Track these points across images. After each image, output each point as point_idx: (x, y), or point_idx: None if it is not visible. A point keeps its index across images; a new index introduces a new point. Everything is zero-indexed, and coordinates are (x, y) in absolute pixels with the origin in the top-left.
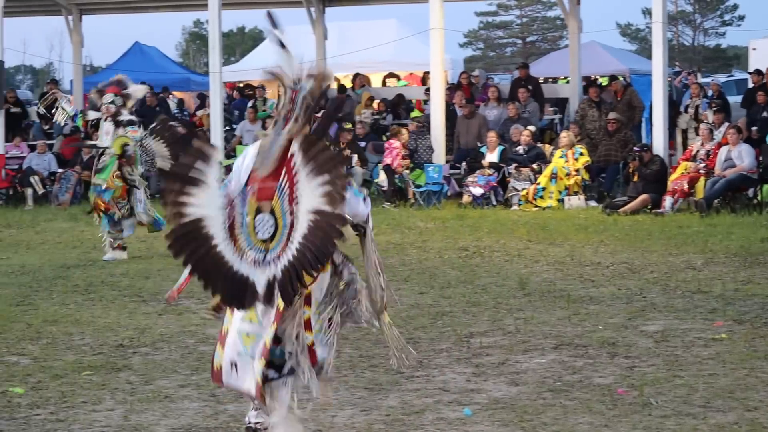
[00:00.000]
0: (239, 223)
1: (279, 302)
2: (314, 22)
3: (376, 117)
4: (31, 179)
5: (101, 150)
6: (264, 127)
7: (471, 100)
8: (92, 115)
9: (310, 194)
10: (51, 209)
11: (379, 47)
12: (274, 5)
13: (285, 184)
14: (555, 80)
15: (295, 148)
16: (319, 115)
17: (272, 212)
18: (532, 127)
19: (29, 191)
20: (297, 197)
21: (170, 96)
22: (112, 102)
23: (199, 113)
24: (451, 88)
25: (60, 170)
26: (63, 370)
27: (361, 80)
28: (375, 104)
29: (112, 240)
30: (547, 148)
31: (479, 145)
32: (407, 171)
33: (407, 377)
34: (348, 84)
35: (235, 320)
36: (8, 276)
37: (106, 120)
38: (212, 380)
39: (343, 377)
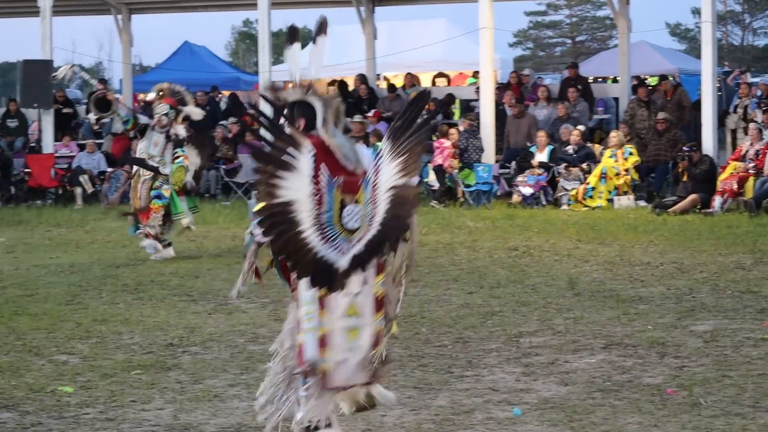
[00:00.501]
0: (325, 212)
1: (378, 290)
2: (364, 21)
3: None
4: (81, 178)
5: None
6: None
7: (521, 100)
8: (143, 119)
9: (388, 176)
10: (101, 208)
11: (429, 47)
12: (324, 5)
13: (370, 176)
14: (604, 80)
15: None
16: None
17: (356, 203)
18: (581, 127)
19: (78, 190)
20: (378, 184)
21: (220, 95)
22: (166, 114)
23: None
24: (501, 88)
25: (109, 169)
26: (112, 369)
27: (410, 80)
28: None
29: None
30: (597, 148)
31: (529, 144)
32: (456, 170)
33: (457, 377)
34: (399, 83)
35: (336, 320)
36: (58, 275)
37: (154, 129)
38: (319, 388)
39: (393, 377)
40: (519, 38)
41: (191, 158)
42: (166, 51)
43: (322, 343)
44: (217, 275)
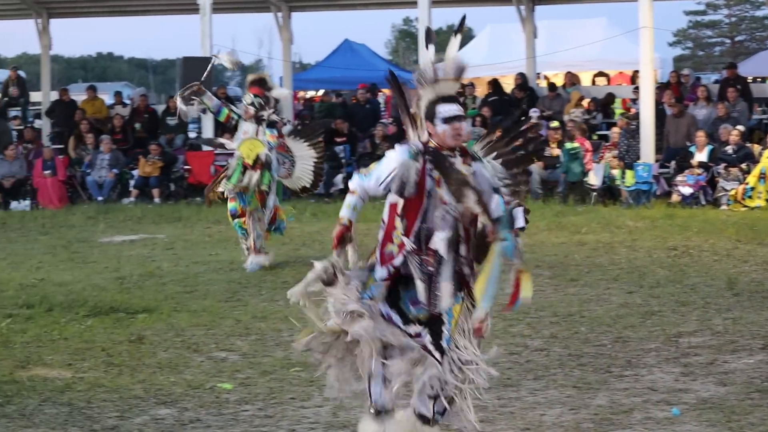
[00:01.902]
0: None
1: None
2: (524, 20)
3: (586, 116)
4: None
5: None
6: (474, 125)
7: (680, 100)
8: (236, 110)
9: None
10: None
11: (588, 46)
12: (484, 3)
13: None
14: (763, 80)
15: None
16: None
17: None
18: (741, 127)
19: None
20: None
21: (379, 93)
22: (252, 104)
23: (412, 110)
24: (661, 87)
25: None
26: (272, 366)
27: (570, 79)
28: (585, 103)
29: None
30: (756, 148)
31: (688, 144)
32: (616, 170)
33: (616, 376)
34: (559, 82)
35: None
36: (217, 272)
37: (246, 121)
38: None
39: (552, 376)
40: (678, 37)
41: (302, 151)
42: (326, 49)
43: None
44: None
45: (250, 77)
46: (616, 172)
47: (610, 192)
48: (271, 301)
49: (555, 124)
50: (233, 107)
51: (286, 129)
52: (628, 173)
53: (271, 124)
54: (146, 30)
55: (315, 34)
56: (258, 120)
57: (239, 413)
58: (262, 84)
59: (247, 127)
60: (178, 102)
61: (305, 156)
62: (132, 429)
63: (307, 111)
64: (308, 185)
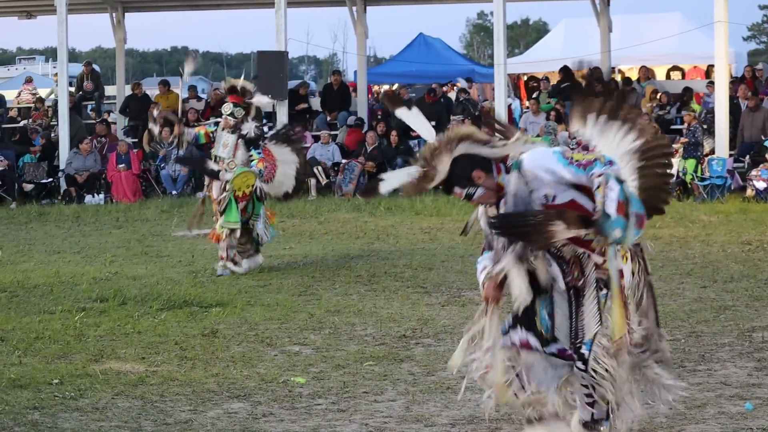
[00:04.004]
0: None
1: None
2: (598, 14)
3: (659, 112)
4: (315, 169)
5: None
6: (548, 119)
7: (755, 94)
8: (212, 127)
9: None
10: (334, 200)
11: (663, 40)
12: None
13: None
14: None
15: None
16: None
17: None
18: None
19: (312, 181)
20: None
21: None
22: (231, 113)
23: (486, 104)
24: (735, 82)
25: (344, 161)
26: (345, 361)
27: (645, 73)
28: (659, 97)
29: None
30: None
31: (763, 138)
32: (688, 164)
33: (689, 371)
34: (633, 76)
35: None
36: (291, 266)
37: (224, 131)
38: None
39: None
40: (753, 32)
41: (285, 156)
42: (401, 43)
43: None
44: (451, 267)
45: (228, 84)
46: (688, 166)
47: (684, 186)
48: (345, 295)
49: None
50: (206, 123)
51: (269, 134)
52: (697, 166)
53: (254, 143)
54: (221, 24)
55: (390, 28)
56: (241, 136)
57: (312, 407)
58: (241, 93)
59: (227, 139)
60: (153, 126)
61: (288, 161)
62: (205, 423)
63: (380, 105)
64: (290, 191)
